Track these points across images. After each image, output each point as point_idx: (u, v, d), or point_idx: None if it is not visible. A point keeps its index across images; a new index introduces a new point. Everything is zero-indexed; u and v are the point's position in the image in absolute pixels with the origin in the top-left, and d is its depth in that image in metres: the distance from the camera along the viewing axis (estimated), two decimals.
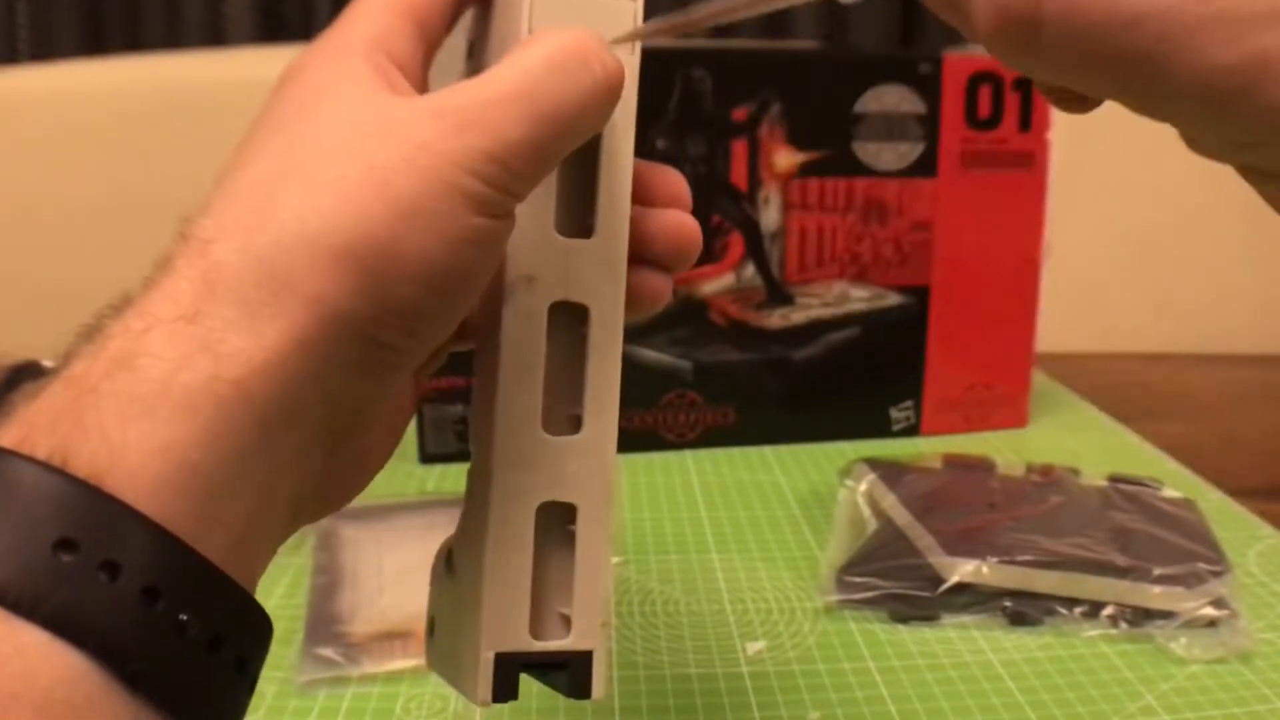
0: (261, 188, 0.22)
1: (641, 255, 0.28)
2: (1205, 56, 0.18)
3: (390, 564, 0.50)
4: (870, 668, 0.44)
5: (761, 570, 0.53)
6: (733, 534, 0.56)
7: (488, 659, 0.26)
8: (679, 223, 0.29)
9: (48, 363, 0.66)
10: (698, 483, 0.63)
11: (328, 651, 0.43)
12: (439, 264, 0.22)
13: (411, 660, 0.43)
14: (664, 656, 0.45)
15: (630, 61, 0.27)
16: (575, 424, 0.27)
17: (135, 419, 0.19)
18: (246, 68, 1.03)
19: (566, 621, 0.27)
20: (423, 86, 0.27)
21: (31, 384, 0.20)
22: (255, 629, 0.22)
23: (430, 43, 0.27)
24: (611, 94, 0.25)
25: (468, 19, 0.30)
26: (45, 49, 1.55)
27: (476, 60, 0.30)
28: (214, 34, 1.58)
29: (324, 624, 0.45)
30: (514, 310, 0.26)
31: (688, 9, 0.26)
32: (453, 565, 0.29)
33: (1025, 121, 0.66)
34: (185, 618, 0.19)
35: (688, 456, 0.67)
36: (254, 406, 0.20)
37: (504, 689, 0.26)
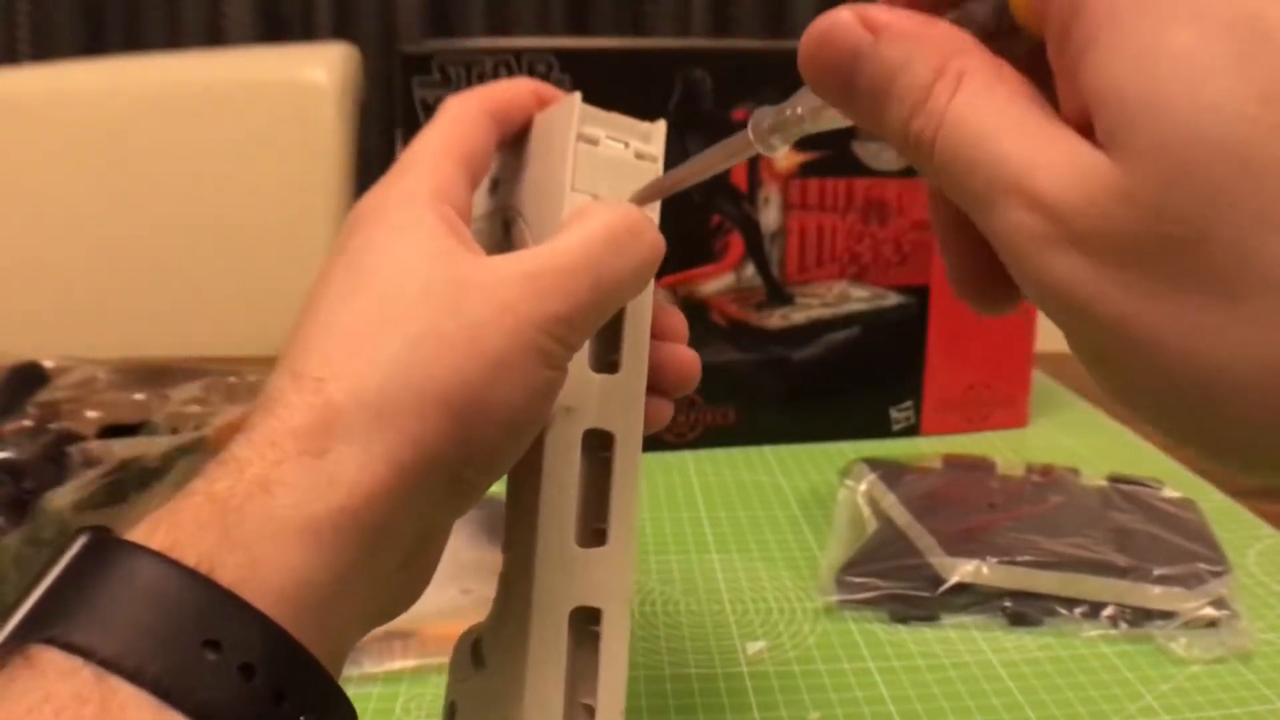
0: (365, 332, 0.25)
1: (651, 384, 0.31)
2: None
3: None
4: (870, 668, 0.44)
5: (761, 570, 0.53)
6: (733, 534, 0.56)
7: None
8: (683, 357, 0.33)
9: (48, 362, 0.66)
10: (698, 483, 0.63)
11: None
12: (517, 411, 0.26)
13: (411, 660, 0.43)
14: (664, 656, 0.45)
15: (654, 219, 0.30)
16: (600, 536, 0.30)
17: (272, 539, 0.22)
18: (245, 68, 1.03)
19: (590, 711, 0.30)
20: (469, 220, 0.30)
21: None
22: None
23: (475, 185, 0.31)
24: (656, 263, 0.29)
25: (494, 157, 0.34)
26: (45, 49, 1.55)
27: (501, 199, 0.33)
28: (214, 34, 1.58)
29: None
30: (554, 437, 0.29)
31: (668, 174, 0.30)
32: (480, 657, 0.32)
33: None
34: (304, 718, 0.22)
35: (688, 456, 0.67)
36: (363, 533, 0.23)
37: None
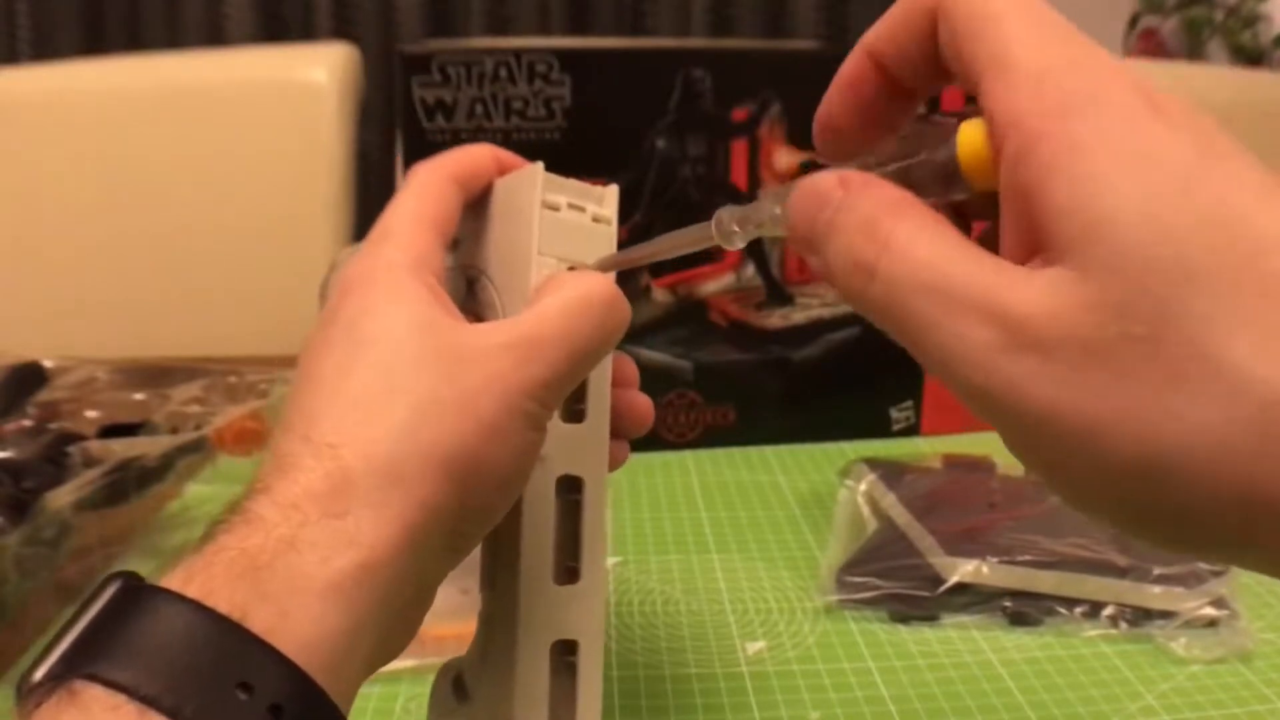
0: (372, 401, 0.27)
1: (611, 429, 0.34)
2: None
3: None
4: (870, 668, 0.44)
5: (761, 570, 0.53)
6: (733, 534, 0.56)
7: None
8: (636, 401, 0.35)
9: (48, 362, 0.66)
10: (698, 483, 0.63)
11: None
12: (508, 469, 0.28)
13: (411, 660, 0.43)
14: (664, 656, 0.45)
15: (605, 259, 0.33)
16: (573, 574, 0.33)
17: (300, 593, 0.24)
18: (246, 68, 1.03)
19: None
20: (445, 286, 0.32)
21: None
22: None
23: (446, 248, 0.33)
24: (624, 327, 0.31)
25: None
26: (45, 49, 1.55)
27: (463, 257, 0.35)
28: (214, 34, 1.58)
29: None
30: (532, 485, 0.31)
31: (632, 249, 0.32)
32: (464, 690, 0.34)
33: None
34: None
35: (688, 456, 0.67)
36: (377, 587, 0.25)
37: None
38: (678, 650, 0.45)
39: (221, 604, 0.23)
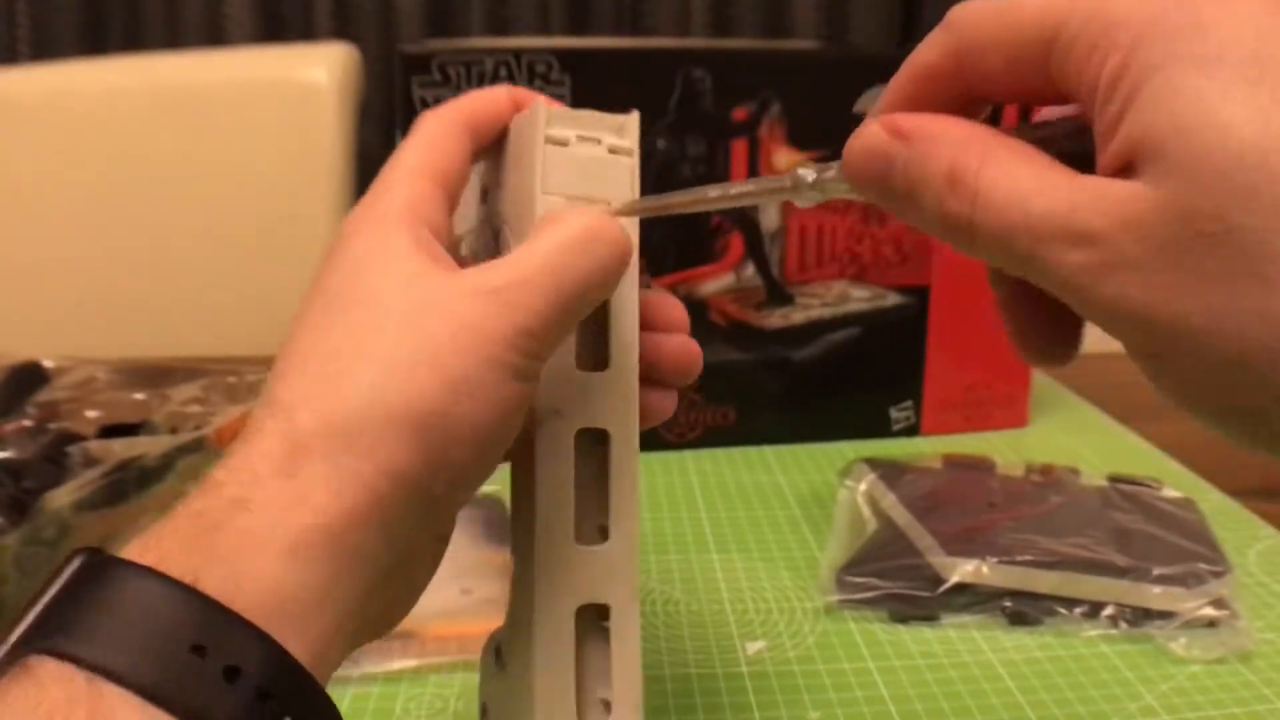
0: (332, 361, 0.26)
1: (650, 376, 0.32)
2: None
3: None
4: (870, 668, 0.44)
5: (761, 570, 0.53)
6: (733, 534, 0.56)
7: None
8: (681, 346, 0.33)
9: (47, 362, 0.66)
10: (698, 483, 0.63)
11: None
12: (484, 428, 0.26)
13: (411, 660, 0.43)
14: (664, 656, 0.45)
15: (631, 222, 0.30)
16: (603, 533, 0.31)
17: (251, 553, 0.23)
18: (246, 68, 1.03)
19: (607, 706, 0.31)
20: (451, 240, 0.31)
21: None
22: None
23: (453, 200, 0.31)
24: (623, 264, 0.29)
25: (480, 165, 0.34)
26: (45, 49, 1.55)
27: (490, 207, 0.34)
28: (214, 34, 1.58)
29: None
30: (545, 441, 0.30)
31: (671, 195, 0.30)
32: (502, 659, 0.32)
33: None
34: (288, 718, 0.23)
35: (688, 456, 0.67)
36: (336, 549, 0.24)
37: None
38: (678, 650, 0.45)
39: (175, 569, 0.23)
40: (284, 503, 0.24)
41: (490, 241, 0.34)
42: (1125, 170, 0.21)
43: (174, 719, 0.21)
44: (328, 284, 0.28)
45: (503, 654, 0.32)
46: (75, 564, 0.23)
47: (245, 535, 0.24)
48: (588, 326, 0.31)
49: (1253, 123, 0.19)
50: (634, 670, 0.31)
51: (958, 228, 0.23)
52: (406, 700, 0.42)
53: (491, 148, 0.33)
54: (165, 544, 0.23)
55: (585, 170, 0.30)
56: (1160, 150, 0.20)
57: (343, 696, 0.42)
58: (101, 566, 0.23)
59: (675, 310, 0.33)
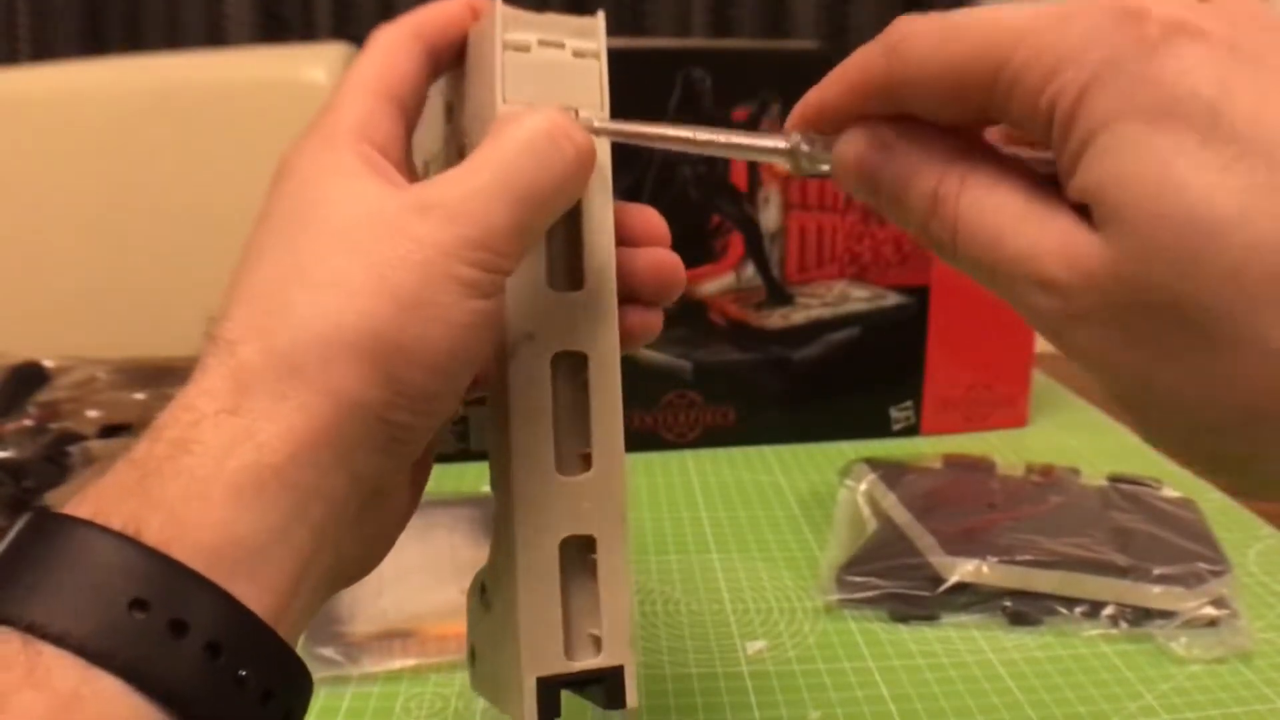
0: (273, 290, 0.25)
1: (629, 294, 0.30)
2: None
3: (390, 564, 0.50)
4: (870, 667, 0.44)
5: (761, 570, 0.53)
6: (733, 534, 0.56)
7: (530, 685, 0.28)
8: (660, 260, 0.31)
9: (48, 362, 0.66)
10: (698, 483, 0.63)
11: (327, 651, 0.43)
12: (442, 349, 0.24)
13: (411, 660, 0.43)
14: (664, 656, 0.45)
15: (607, 124, 0.29)
16: (586, 462, 0.29)
17: (194, 498, 0.22)
18: (246, 68, 1.03)
19: (597, 641, 0.29)
20: (406, 162, 0.29)
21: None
22: (300, 684, 0.24)
23: (409, 116, 0.29)
24: (583, 168, 0.27)
25: (443, 82, 0.32)
26: (45, 49, 1.55)
27: (455, 123, 0.32)
28: (214, 34, 1.58)
29: (323, 624, 0.45)
30: (519, 367, 0.28)
31: (647, 124, 0.28)
32: (487, 598, 0.31)
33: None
34: (244, 673, 0.22)
35: (688, 456, 0.67)
36: (288, 486, 0.23)
37: (548, 709, 0.28)
38: (678, 650, 0.45)
39: (114, 520, 0.21)
40: (227, 441, 0.23)
41: (455, 160, 0.32)
42: (1087, 209, 0.20)
43: (115, 677, 0.20)
44: (272, 209, 0.26)
45: (488, 593, 0.31)
46: (20, 523, 0.22)
47: (187, 478, 0.22)
48: (559, 243, 0.29)
49: (1205, 187, 0.18)
50: (624, 603, 0.29)
51: (942, 247, 0.23)
52: (406, 700, 0.42)
53: (454, 62, 0.31)
54: (105, 495, 0.22)
55: (548, 76, 0.28)
56: (1116, 210, 0.19)
57: (342, 696, 0.42)
58: (44, 523, 0.22)
59: (654, 221, 0.31)
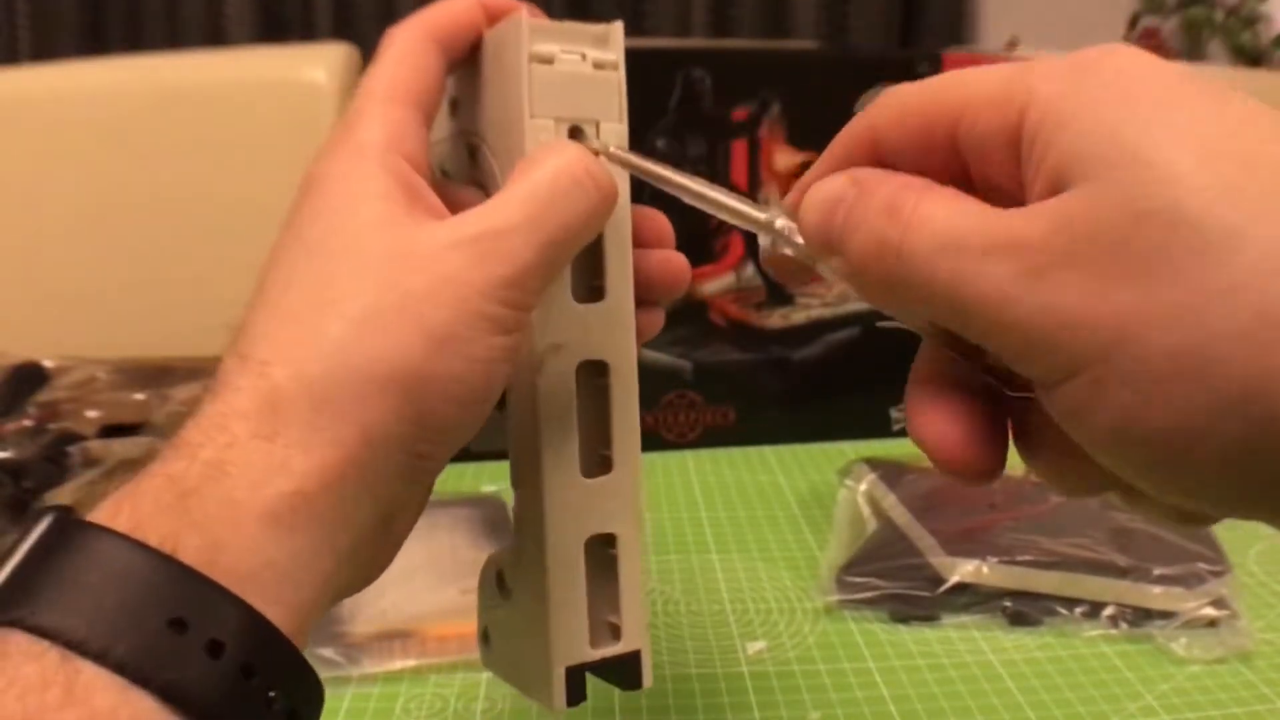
0: (306, 316, 0.25)
1: (638, 295, 0.31)
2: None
3: (390, 565, 0.50)
4: (870, 668, 0.44)
5: (761, 570, 0.53)
6: (733, 534, 0.56)
7: (560, 674, 0.30)
8: (670, 262, 0.32)
9: (48, 362, 0.66)
10: (698, 483, 0.63)
11: (327, 651, 0.43)
12: (468, 383, 0.25)
13: (411, 660, 0.43)
14: (664, 656, 0.45)
15: (619, 153, 0.29)
16: (606, 463, 0.31)
17: (231, 521, 0.22)
18: (246, 68, 1.03)
19: (616, 629, 0.31)
20: (429, 164, 0.29)
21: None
22: (317, 700, 0.25)
23: (430, 121, 0.30)
24: (607, 205, 0.28)
25: (450, 77, 0.32)
26: (45, 49, 1.55)
27: (464, 122, 0.32)
28: (214, 34, 1.58)
29: (324, 624, 0.45)
30: (549, 376, 0.30)
31: (664, 167, 0.28)
32: (505, 586, 0.33)
33: None
34: (274, 694, 0.22)
35: (688, 456, 0.67)
36: (319, 516, 0.23)
37: (575, 694, 0.30)
38: (678, 650, 0.45)
39: (151, 536, 0.21)
40: (262, 468, 0.23)
41: (466, 160, 0.32)
42: (1054, 193, 0.21)
43: (152, 696, 0.20)
44: (302, 229, 0.26)
45: (507, 582, 0.32)
46: (44, 525, 0.22)
47: (224, 502, 0.22)
48: (582, 257, 0.30)
49: (1183, 132, 0.19)
50: (639, 594, 0.31)
51: (884, 254, 0.22)
52: (406, 700, 0.42)
53: (463, 58, 0.31)
54: (141, 508, 0.22)
55: (572, 89, 0.29)
56: (1095, 154, 0.20)
57: (343, 696, 0.42)
58: (74, 530, 0.22)
59: (660, 223, 0.32)
